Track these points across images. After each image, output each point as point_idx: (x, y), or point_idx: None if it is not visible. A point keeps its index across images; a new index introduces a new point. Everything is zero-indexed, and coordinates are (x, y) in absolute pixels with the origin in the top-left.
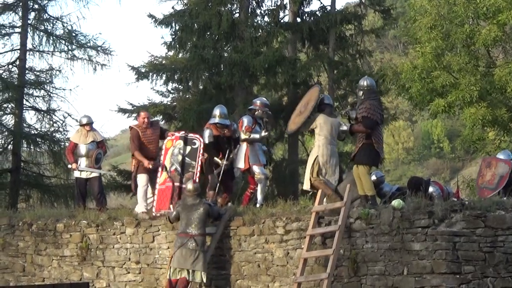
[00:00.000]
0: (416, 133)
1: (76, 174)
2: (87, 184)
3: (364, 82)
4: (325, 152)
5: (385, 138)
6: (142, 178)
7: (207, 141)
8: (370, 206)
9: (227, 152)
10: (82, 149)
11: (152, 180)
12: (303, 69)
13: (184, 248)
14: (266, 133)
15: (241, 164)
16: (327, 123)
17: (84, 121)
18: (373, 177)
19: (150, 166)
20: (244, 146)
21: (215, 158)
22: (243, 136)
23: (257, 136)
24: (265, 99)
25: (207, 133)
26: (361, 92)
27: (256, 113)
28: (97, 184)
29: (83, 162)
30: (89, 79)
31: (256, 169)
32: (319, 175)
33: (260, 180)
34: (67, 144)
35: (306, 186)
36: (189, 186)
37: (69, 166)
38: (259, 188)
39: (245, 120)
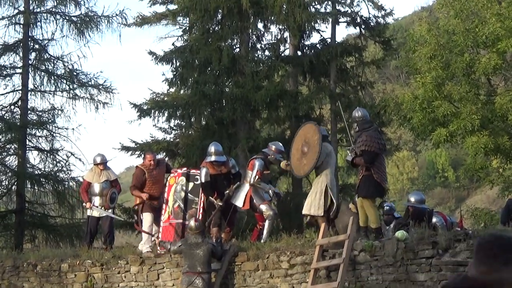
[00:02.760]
0: (421, 163)
1: (89, 212)
2: (98, 223)
3: (356, 113)
4: (334, 182)
5: (389, 169)
6: (147, 217)
7: (203, 180)
8: (374, 239)
9: (226, 190)
10: (96, 188)
11: (156, 219)
12: (305, 102)
13: (192, 286)
14: (274, 195)
15: (239, 203)
16: (333, 153)
17: (98, 160)
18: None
19: (145, 198)
20: (247, 185)
21: (210, 198)
22: (252, 181)
23: (266, 188)
24: (281, 144)
25: (203, 172)
26: (355, 124)
27: (268, 157)
28: (108, 223)
29: (97, 200)
30: (91, 118)
31: (263, 207)
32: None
33: (269, 216)
34: (71, 183)
35: (315, 211)
36: (192, 224)
37: (84, 204)
38: (266, 224)
39: (257, 164)
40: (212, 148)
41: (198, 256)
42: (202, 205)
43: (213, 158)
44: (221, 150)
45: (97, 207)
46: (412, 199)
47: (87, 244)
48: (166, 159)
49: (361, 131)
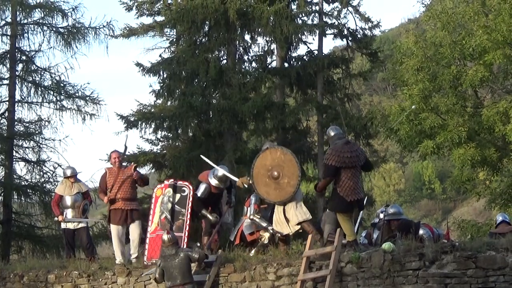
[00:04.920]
0: (407, 175)
1: (63, 225)
2: (74, 235)
3: (330, 132)
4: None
5: (376, 181)
6: (112, 229)
7: (199, 195)
8: (353, 251)
9: (223, 205)
10: (68, 201)
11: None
12: (291, 114)
13: None
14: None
15: (232, 237)
16: None
17: (68, 173)
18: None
19: (105, 200)
20: (242, 220)
21: (204, 212)
22: (252, 215)
23: (263, 224)
24: None
25: (203, 187)
26: (329, 142)
27: None
28: (85, 234)
29: (69, 213)
30: (78, 129)
31: (263, 234)
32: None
33: (266, 239)
34: None
35: (303, 217)
36: (164, 237)
37: (56, 218)
38: (260, 242)
39: (253, 199)
40: (220, 173)
41: (175, 266)
42: (189, 216)
43: (216, 182)
44: (227, 176)
45: (69, 220)
46: (391, 211)
47: (69, 257)
48: (152, 170)
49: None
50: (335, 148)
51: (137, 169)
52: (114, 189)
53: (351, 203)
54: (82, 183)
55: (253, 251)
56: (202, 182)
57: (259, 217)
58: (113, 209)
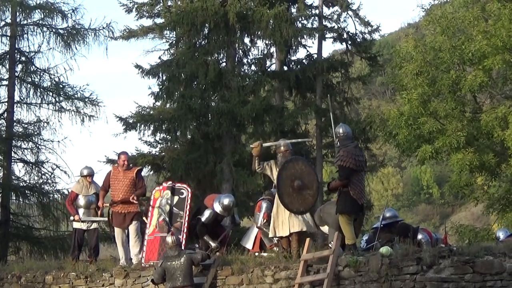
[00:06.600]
0: (405, 179)
1: (76, 225)
2: (84, 236)
3: (339, 129)
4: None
5: (374, 185)
6: (115, 232)
7: (204, 220)
8: (351, 255)
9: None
10: (82, 200)
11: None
12: (290, 117)
13: None
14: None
15: (249, 245)
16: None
17: (85, 172)
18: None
19: (99, 205)
20: (256, 228)
21: (205, 238)
22: (259, 224)
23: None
24: None
25: (207, 213)
26: (337, 140)
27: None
28: (96, 236)
29: (81, 213)
30: (77, 131)
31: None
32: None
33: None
34: (56, 196)
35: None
36: (168, 239)
37: (72, 218)
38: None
39: (264, 206)
40: (226, 202)
41: (177, 267)
42: (187, 218)
43: (221, 210)
44: (232, 206)
45: (85, 219)
46: (388, 215)
47: (74, 258)
48: (151, 172)
49: (340, 147)
50: (349, 151)
51: (141, 172)
52: (114, 191)
53: (360, 206)
54: (97, 184)
55: (263, 254)
56: (208, 208)
57: (266, 224)
58: (114, 212)
